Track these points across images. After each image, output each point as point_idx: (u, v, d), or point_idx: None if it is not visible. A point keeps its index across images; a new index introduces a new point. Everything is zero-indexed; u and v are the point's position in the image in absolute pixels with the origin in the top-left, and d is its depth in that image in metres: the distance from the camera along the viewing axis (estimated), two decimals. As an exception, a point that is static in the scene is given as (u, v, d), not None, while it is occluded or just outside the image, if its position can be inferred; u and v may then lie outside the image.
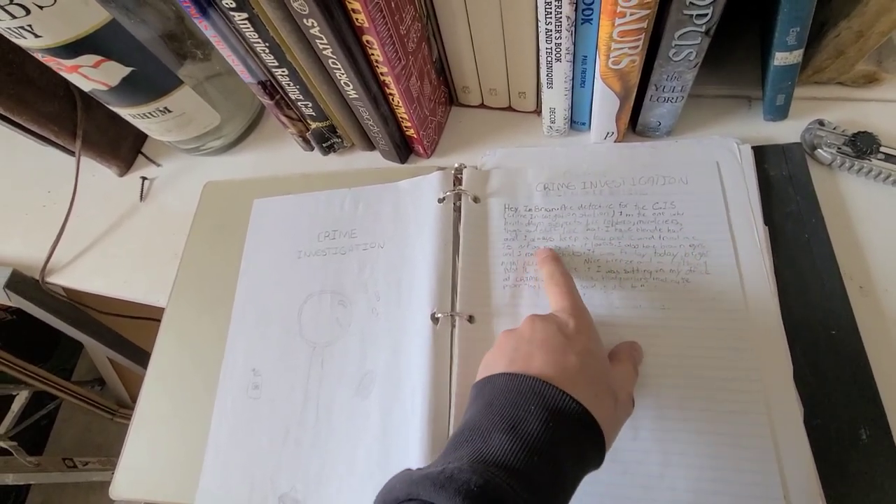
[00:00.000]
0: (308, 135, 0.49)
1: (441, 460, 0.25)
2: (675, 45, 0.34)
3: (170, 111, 0.48)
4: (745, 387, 0.33)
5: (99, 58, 0.41)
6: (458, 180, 0.45)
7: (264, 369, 0.41)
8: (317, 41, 0.35)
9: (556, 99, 0.42)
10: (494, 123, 0.49)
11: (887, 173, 0.38)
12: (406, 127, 0.45)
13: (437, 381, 0.36)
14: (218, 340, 0.43)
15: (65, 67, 0.41)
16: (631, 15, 0.31)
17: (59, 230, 0.53)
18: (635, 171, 0.42)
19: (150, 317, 0.54)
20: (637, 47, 0.34)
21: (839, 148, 0.40)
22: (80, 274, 0.52)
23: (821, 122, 0.41)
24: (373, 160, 0.50)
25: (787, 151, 0.41)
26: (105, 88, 0.43)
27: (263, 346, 0.42)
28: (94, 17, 0.39)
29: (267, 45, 0.38)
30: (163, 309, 0.46)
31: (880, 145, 0.39)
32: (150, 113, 0.47)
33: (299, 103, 0.45)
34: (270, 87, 0.44)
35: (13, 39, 0.38)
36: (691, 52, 0.35)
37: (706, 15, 0.32)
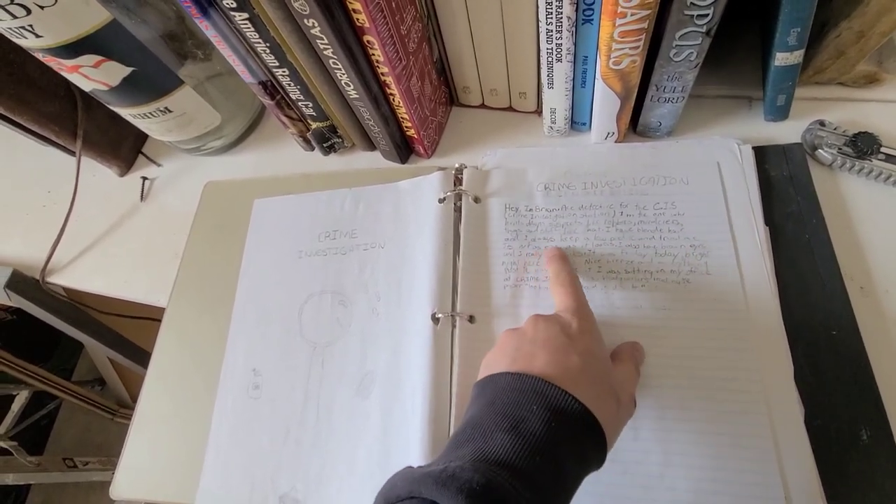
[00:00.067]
0: (308, 135, 0.49)
1: (443, 458, 0.25)
2: (676, 45, 0.34)
3: (170, 111, 0.48)
4: (745, 387, 0.33)
5: (99, 58, 0.41)
6: (458, 180, 0.45)
7: (265, 369, 0.41)
8: (317, 41, 0.35)
9: (556, 99, 0.42)
10: (495, 124, 0.49)
11: (888, 174, 0.38)
12: (406, 127, 0.45)
13: (438, 381, 0.36)
14: (218, 340, 0.43)
15: (65, 67, 0.41)
16: (632, 15, 0.31)
17: (59, 230, 0.53)
18: (636, 172, 0.42)
19: (151, 317, 0.54)
20: (638, 48, 0.34)
21: (840, 148, 0.40)
22: (81, 274, 0.52)
23: (821, 123, 0.41)
24: (373, 160, 0.50)
25: (787, 152, 0.41)
26: (106, 88, 0.43)
27: (264, 346, 0.42)
28: (95, 17, 0.39)
29: (268, 45, 0.38)
30: (163, 309, 0.46)
31: (881, 146, 0.39)
32: (150, 113, 0.47)
33: (300, 103, 0.45)
34: (271, 88, 0.44)
35: (14, 39, 0.38)
36: (692, 53, 0.35)
37: (707, 15, 0.32)
